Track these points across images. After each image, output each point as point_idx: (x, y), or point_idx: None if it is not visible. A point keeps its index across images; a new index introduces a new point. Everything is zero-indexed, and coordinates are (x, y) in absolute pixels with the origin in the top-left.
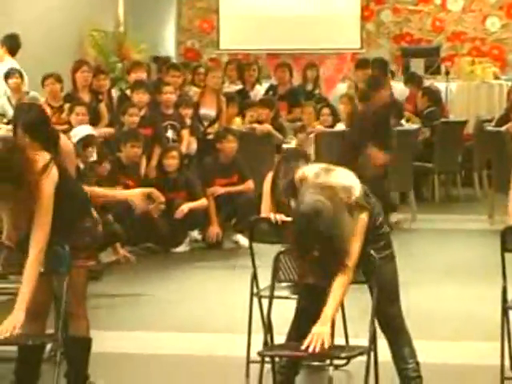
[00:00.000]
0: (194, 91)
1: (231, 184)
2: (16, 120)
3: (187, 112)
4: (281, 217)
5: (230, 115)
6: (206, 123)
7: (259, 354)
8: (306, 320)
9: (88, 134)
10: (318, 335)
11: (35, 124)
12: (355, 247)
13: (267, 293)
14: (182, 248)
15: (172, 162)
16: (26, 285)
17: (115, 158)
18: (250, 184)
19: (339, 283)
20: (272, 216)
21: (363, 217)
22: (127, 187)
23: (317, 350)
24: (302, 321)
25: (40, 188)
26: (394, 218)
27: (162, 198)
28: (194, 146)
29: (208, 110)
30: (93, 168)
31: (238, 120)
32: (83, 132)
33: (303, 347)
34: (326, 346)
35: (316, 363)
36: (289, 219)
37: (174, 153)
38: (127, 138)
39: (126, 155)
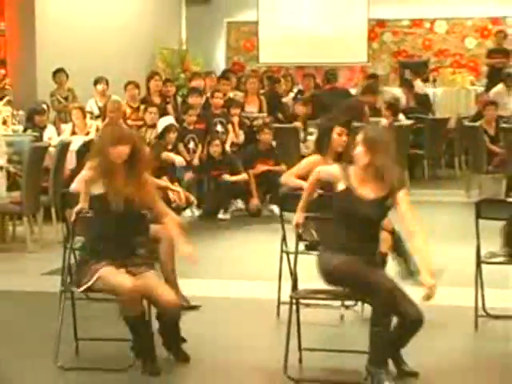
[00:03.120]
0: (239, 96)
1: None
2: None
3: (236, 111)
4: None
5: None
6: (251, 119)
7: (290, 296)
8: None
9: (170, 123)
10: (434, 288)
11: None
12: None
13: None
14: (227, 215)
15: (216, 149)
16: None
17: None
18: (282, 167)
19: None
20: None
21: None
22: None
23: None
24: None
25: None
26: None
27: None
28: (242, 137)
29: (251, 108)
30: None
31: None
32: (167, 122)
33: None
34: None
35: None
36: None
37: (217, 142)
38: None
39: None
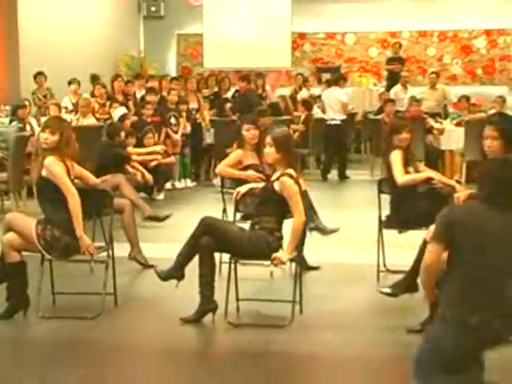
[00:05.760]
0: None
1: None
2: None
3: (184, 107)
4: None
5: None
6: (194, 113)
7: (230, 257)
8: None
9: (124, 112)
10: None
11: None
12: None
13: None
14: (161, 196)
15: (150, 141)
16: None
17: None
18: None
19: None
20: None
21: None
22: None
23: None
24: None
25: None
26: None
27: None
28: (189, 128)
29: (192, 105)
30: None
31: (205, 112)
32: (120, 112)
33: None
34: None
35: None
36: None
37: (150, 134)
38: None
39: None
